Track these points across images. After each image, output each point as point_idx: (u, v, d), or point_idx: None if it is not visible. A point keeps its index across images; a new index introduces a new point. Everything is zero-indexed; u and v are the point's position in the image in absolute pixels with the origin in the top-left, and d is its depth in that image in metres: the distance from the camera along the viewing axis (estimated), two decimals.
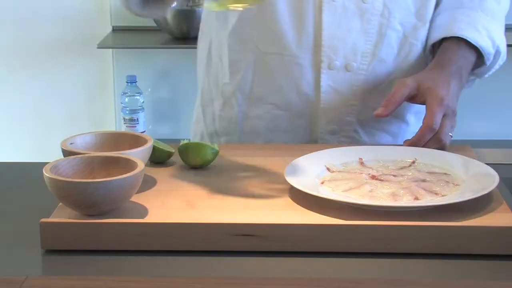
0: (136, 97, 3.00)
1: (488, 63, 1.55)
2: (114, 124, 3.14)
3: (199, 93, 1.71)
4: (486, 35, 1.54)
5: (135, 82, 2.99)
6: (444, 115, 1.42)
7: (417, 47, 1.58)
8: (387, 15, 1.53)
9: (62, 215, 1.17)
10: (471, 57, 1.54)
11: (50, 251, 1.14)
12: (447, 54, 1.53)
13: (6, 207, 1.34)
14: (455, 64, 1.51)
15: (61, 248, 1.14)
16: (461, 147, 1.47)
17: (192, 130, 1.74)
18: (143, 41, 2.98)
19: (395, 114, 1.56)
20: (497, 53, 1.56)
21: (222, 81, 1.62)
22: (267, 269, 1.10)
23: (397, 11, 1.54)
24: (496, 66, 1.59)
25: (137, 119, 3.01)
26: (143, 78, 3.06)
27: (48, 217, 1.16)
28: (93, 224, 1.14)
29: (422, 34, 1.57)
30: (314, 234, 1.13)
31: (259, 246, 1.13)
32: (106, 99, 3.15)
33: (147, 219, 1.17)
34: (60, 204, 1.20)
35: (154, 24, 2.94)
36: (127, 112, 3.00)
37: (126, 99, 2.99)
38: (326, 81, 1.54)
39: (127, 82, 2.99)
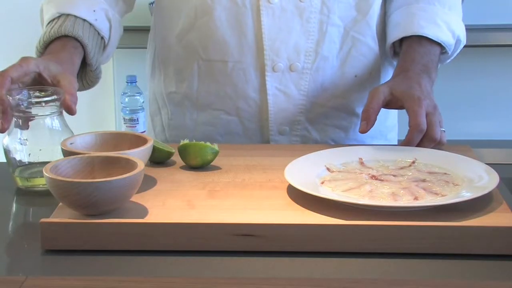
0: (136, 97, 3.00)
1: (450, 52, 1.58)
2: (114, 124, 3.14)
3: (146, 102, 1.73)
4: (446, 28, 1.56)
5: (135, 82, 2.99)
6: (427, 113, 1.43)
7: (361, 41, 1.58)
8: (326, 11, 1.54)
9: (62, 215, 1.17)
10: (435, 51, 1.56)
11: (50, 251, 1.14)
12: (411, 54, 1.54)
13: (6, 207, 1.34)
14: (420, 63, 1.52)
15: (61, 248, 1.14)
16: (461, 147, 1.47)
17: None
18: (143, 41, 2.97)
19: (344, 108, 1.57)
20: (458, 41, 1.59)
21: (168, 89, 1.62)
22: (267, 269, 1.10)
23: (336, 7, 1.54)
24: (458, 51, 1.62)
25: (137, 119, 3.01)
26: (143, 78, 3.06)
27: (48, 217, 1.16)
28: (93, 224, 1.14)
29: (364, 27, 1.57)
30: (314, 234, 1.13)
31: (259, 246, 1.13)
32: (106, 99, 3.15)
33: (147, 219, 1.17)
34: (60, 204, 1.20)
35: None
36: (127, 112, 3.00)
37: (126, 99, 3.00)
38: (271, 83, 1.55)
39: (127, 82, 2.99)
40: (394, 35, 1.57)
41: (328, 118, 1.60)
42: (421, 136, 1.42)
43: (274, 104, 1.56)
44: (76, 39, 1.48)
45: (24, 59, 1.38)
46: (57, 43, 1.48)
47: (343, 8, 1.55)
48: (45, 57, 1.45)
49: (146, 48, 3.18)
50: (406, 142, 1.42)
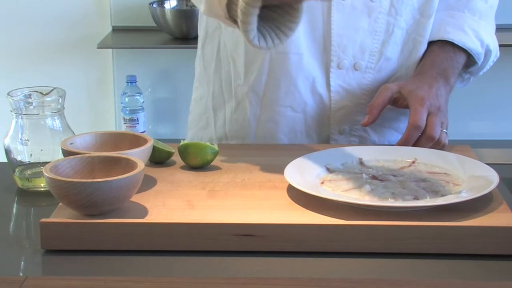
0: (136, 97, 3.00)
1: (479, 62, 1.58)
2: (114, 124, 3.14)
3: (203, 99, 1.69)
4: (474, 36, 1.55)
5: (135, 82, 2.99)
6: (429, 113, 1.43)
7: (421, 42, 1.57)
8: (394, 13, 1.54)
9: (62, 215, 1.17)
10: (458, 58, 1.55)
11: (50, 251, 1.14)
12: (431, 58, 1.55)
13: (6, 207, 1.34)
14: (439, 67, 1.52)
15: (61, 248, 1.14)
16: (461, 147, 1.47)
17: (190, 136, 1.72)
18: (143, 41, 2.98)
19: (404, 112, 1.56)
20: (488, 52, 1.58)
21: (236, 82, 1.60)
22: (267, 269, 1.10)
23: (403, 9, 1.54)
24: (490, 63, 1.61)
25: (137, 119, 3.01)
26: (143, 78, 3.06)
27: (48, 217, 1.16)
28: (93, 224, 1.14)
29: (426, 29, 1.57)
30: (314, 234, 1.13)
31: (259, 246, 1.13)
32: (106, 99, 3.16)
33: (147, 219, 1.17)
34: (60, 204, 1.20)
35: (154, 24, 2.94)
36: (127, 112, 3.00)
37: (126, 99, 3.00)
38: (335, 80, 1.55)
39: (127, 82, 3.00)
40: None
41: (387, 120, 1.58)
42: (418, 134, 1.42)
43: (336, 101, 1.56)
44: None
45: None
46: None
47: (409, 11, 1.55)
48: None
49: (146, 48, 3.19)
50: (403, 140, 1.43)
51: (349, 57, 1.54)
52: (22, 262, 1.15)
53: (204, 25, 1.66)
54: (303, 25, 1.51)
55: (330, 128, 1.58)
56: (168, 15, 2.87)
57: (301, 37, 1.52)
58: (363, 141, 1.59)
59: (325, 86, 1.55)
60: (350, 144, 1.57)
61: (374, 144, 1.58)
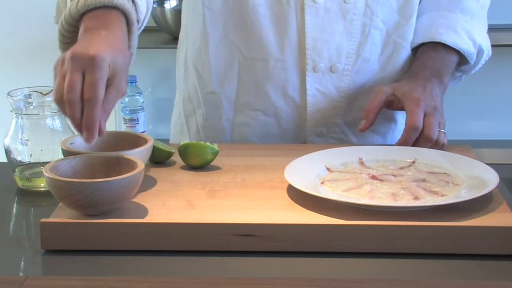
0: (136, 97, 3.00)
1: (472, 62, 1.58)
2: (114, 124, 3.14)
3: (178, 104, 1.69)
4: (466, 36, 1.55)
5: (135, 82, 2.99)
6: (426, 114, 1.43)
7: (403, 45, 1.57)
8: (369, 14, 1.53)
9: (62, 215, 1.17)
10: (451, 57, 1.56)
11: (50, 251, 1.14)
12: (422, 59, 1.55)
13: (6, 207, 1.34)
14: (431, 68, 1.53)
15: (61, 248, 1.14)
16: (461, 147, 1.47)
17: (171, 139, 1.72)
18: (143, 41, 2.96)
19: (382, 113, 1.57)
20: (480, 51, 1.58)
21: (204, 90, 1.60)
22: (267, 269, 1.10)
23: (379, 10, 1.54)
24: (482, 62, 1.62)
25: (137, 119, 3.01)
26: (143, 78, 3.06)
27: (48, 217, 1.16)
28: (93, 224, 1.14)
29: (406, 31, 1.57)
30: (314, 234, 1.13)
31: (259, 246, 1.13)
32: None
33: (147, 219, 1.17)
34: (60, 204, 1.20)
35: (154, 24, 2.94)
36: (127, 112, 3.00)
37: (126, 99, 2.99)
38: (312, 84, 1.54)
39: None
40: (414, 41, 1.58)
41: None
42: (416, 135, 1.42)
43: (312, 104, 1.55)
44: (123, 13, 1.37)
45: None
46: (101, 14, 1.31)
47: (386, 12, 1.54)
48: (108, 36, 1.29)
49: (146, 48, 3.18)
50: (401, 141, 1.43)
51: (324, 60, 1.53)
52: (22, 262, 1.15)
53: (180, 34, 1.68)
54: (274, 30, 1.52)
55: (307, 131, 1.58)
56: (168, 15, 2.87)
57: (272, 42, 1.52)
58: (341, 144, 1.58)
59: (299, 89, 1.55)
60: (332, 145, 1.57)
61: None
